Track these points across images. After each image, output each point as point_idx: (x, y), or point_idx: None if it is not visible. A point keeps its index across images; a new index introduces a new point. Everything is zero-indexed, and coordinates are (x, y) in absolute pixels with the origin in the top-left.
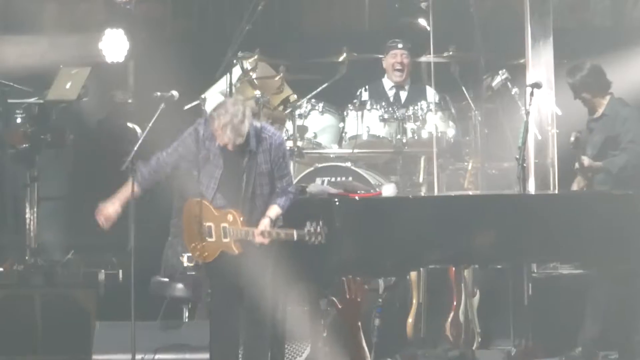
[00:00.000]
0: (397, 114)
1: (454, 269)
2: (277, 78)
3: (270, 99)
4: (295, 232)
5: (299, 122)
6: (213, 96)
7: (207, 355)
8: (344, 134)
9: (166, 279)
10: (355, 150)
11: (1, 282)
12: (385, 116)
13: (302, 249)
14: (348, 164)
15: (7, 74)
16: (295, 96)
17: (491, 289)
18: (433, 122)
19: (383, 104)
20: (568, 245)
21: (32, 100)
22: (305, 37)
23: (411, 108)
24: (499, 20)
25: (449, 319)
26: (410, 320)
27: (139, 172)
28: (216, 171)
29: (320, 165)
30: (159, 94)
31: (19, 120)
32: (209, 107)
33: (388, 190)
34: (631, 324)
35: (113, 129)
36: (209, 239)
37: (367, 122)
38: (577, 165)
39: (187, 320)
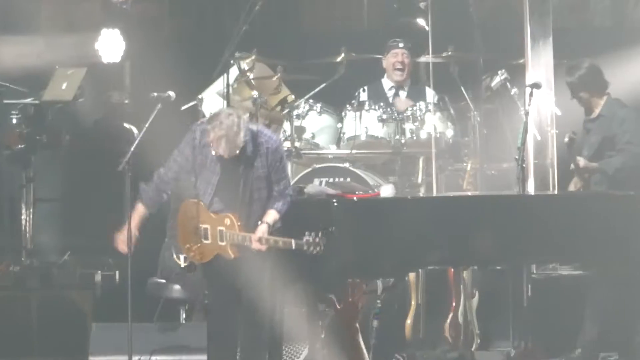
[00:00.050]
0: (396, 114)
1: (452, 270)
2: (274, 78)
3: (268, 100)
4: (293, 242)
5: (296, 122)
6: (210, 97)
7: (204, 357)
8: (342, 135)
9: (163, 280)
10: (354, 151)
11: None
12: (384, 116)
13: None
14: (346, 165)
15: (3, 74)
16: (293, 96)
17: (490, 290)
18: (432, 123)
19: (382, 104)
20: (568, 246)
21: (27, 100)
22: (303, 37)
23: (410, 108)
24: (498, 20)
25: (448, 321)
26: (408, 321)
27: (144, 194)
28: (213, 177)
29: (318, 166)
30: (155, 94)
31: (14, 121)
32: (206, 108)
33: (386, 191)
34: (631, 325)
35: (109, 130)
36: (205, 241)
37: (365, 123)
38: (572, 166)
39: (184, 321)
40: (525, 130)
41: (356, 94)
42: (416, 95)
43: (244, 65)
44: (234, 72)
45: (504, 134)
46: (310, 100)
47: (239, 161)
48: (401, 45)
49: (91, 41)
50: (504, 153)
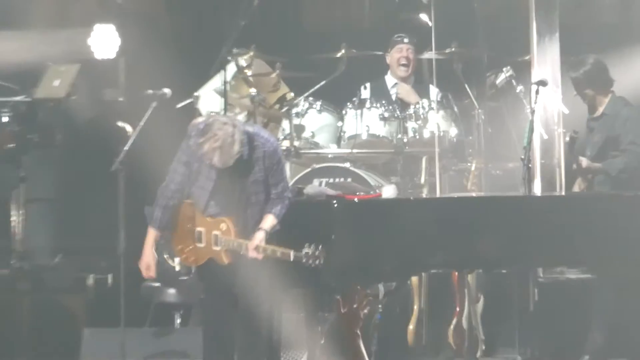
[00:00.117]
0: (398, 112)
1: (456, 273)
2: (273, 75)
3: (266, 97)
4: (292, 253)
5: (295, 121)
6: (207, 94)
7: None
8: (342, 134)
9: (157, 284)
10: (354, 150)
11: None
12: (386, 115)
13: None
14: (347, 165)
15: None
16: (292, 94)
17: (496, 294)
18: (435, 121)
19: (383, 102)
20: (575, 248)
21: (19, 98)
22: (302, 33)
23: (412, 106)
24: (503, 16)
25: (452, 326)
26: (411, 327)
27: (153, 219)
28: (208, 183)
29: (317, 165)
30: (150, 92)
31: (5, 119)
32: (202, 106)
33: (388, 191)
34: None
35: (103, 129)
36: (199, 244)
37: (366, 121)
38: (574, 166)
39: (179, 326)
40: (531, 129)
41: (358, 91)
42: (420, 93)
43: (242, 61)
44: (231, 68)
45: (509, 133)
46: (310, 98)
47: (235, 166)
48: (406, 40)
49: (85, 37)
50: (510, 152)
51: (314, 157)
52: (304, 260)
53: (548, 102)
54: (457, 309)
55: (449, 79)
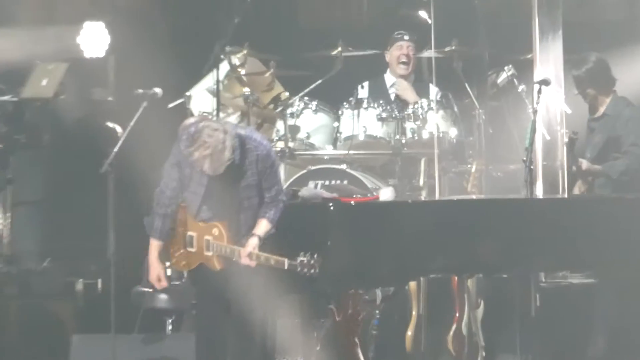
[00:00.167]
0: (396, 112)
1: (456, 278)
2: (267, 74)
3: (260, 97)
4: (286, 262)
5: (290, 121)
6: (199, 94)
7: None
8: (338, 134)
9: (148, 289)
10: (351, 152)
11: None
12: (383, 115)
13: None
14: (343, 166)
15: None
16: (287, 94)
17: (496, 299)
18: (434, 122)
19: (381, 102)
20: (578, 252)
21: (5, 98)
22: (297, 31)
23: (411, 106)
24: (505, 13)
25: (451, 332)
26: (409, 333)
27: (154, 230)
28: (199, 188)
29: (313, 167)
30: (141, 91)
31: None
32: (194, 106)
33: (386, 194)
34: None
35: (92, 129)
36: (190, 249)
37: (363, 122)
38: (574, 168)
39: (170, 332)
40: (534, 130)
41: (354, 91)
42: (420, 92)
43: (235, 60)
44: (224, 67)
45: (511, 134)
46: (305, 98)
47: (227, 170)
48: (406, 37)
49: (73, 34)
50: (511, 154)
51: (310, 158)
52: (298, 269)
53: (550, 101)
54: (457, 315)
55: (448, 78)
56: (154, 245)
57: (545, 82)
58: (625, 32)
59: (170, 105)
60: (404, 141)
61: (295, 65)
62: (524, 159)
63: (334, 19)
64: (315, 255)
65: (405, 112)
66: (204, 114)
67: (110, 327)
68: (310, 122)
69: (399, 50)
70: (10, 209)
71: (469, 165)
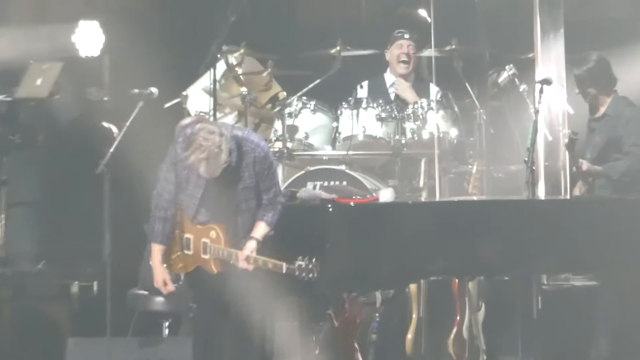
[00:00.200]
0: (396, 112)
1: (457, 280)
2: (265, 74)
3: (258, 97)
4: (284, 266)
5: (288, 121)
6: (195, 94)
7: None
8: (337, 135)
9: (145, 292)
10: (350, 152)
11: None
12: (383, 115)
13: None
14: (342, 167)
15: None
16: (285, 93)
17: (497, 302)
18: (434, 122)
19: (380, 102)
20: (581, 254)
21: None
22: (295, 29)
23: (411, 106)
24: (506, 11)
25: (452, 335)
26: (409, 336)
27: (155, 234)
28: (197, 191)
29: (311, 168)
30: (136, 91)
31: None
32: (191, 106)
33: (385, 195)
34: None
35: (87, 129)
36: (186, 252)
37: (362, 122)
38: (574, 169)
39: (167, 336)
40: (535, 130)
41: (353, 90)
42: (420, 92)
43: (232, 59)
44: (221, 67)
45: (512, 134)
46: (304, 98)
47: (224, 172)
48: (407, 36)
49: (68, 33)
50: (512, 154)
51: (308, 159)
52: (296, 273)
53: (552, 101)
54: (458, 318)
55: (449, 77)
56: (157, 250)
57: (546, 82)
58: (628, 31)
59: (167, 105)
60: (403, 141)
61: (293, 65)
62: (526, 159)
63: (333, 17)
64: (314, 259)
65: (405, 112)
66: (201, 114)
67: (106, 330)
68: (309, 122)
69: (399, 49)
70: (5, 210)
71: (470, 166)
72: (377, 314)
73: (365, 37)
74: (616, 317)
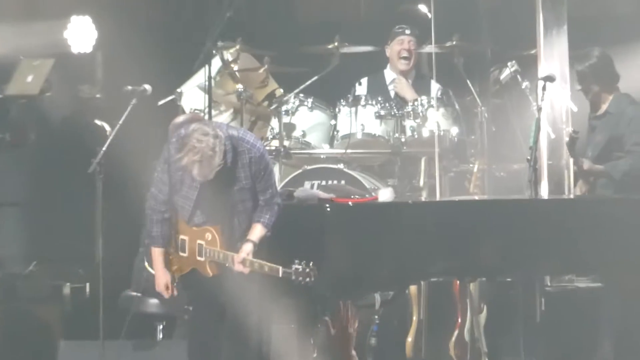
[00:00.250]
0: (395, 110)
1: (458, 282)
2: (261, 70)
3: (254, 94)
4: (280, 270)
5: (285, 119)
6: (190, 91)
7: None
8: (335, 133)
9: (138, 294)
10: (349, 151)
11: None
12: (382, 113)
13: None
14: (340, 166)
15: None
16: (282, 90)
17: (500, 304)
18: (435, 120)
19: (380, 99)
20: (585, 255)
21: None
22: (293, 25)
23: (410, 104)
24: (508, 7)
25: (453, 338)
26: (409, 339)
27: (154, 238)
28: (191, 192)
29: (309, 167)
30: (130, 88)
31: None
32: (185, 103)
33: (385, 195)
34: None
35: (79, 127)
36: (182, 254)
37: (361, 120)
38: (575, 168)
39: (161, 339)
40: (538, 128)
41: (352, 87)
42: (421, 88)
43: (228, 55)
44: (216, 63)
45: (514, 132)
46: (301, 95)
47: (220, 173)
48: (408, 32)
49: (60, 29)
50: (514, 153)
51: (306, 158)
52: (293, 277)
53: (555, 99)
54: (459, 320)
55: (449, 74)
56: (158, 253)
57: (549, 79)
58: (632, 27)
59: (161, 102)
60: (403, 140)
61: (290, 61)
62: (528, 158)
63: (331, 12)
64: (311, 264)
65: (405, 110)
66: (196, 111)
67: (99, 333)
68: (306, 120)
69: (400, 44)
70: None
71: (471, 165)
72: (376, 317)
73: (364, 33)
74: (620, 319)
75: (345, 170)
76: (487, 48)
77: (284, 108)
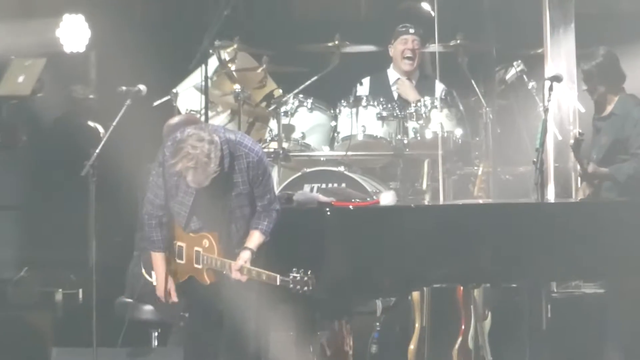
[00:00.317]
0: (397, 111)
1: (462, 288)
2: (259, 70)
3: (252, 94)
4: (278, 278)
5: (284, 120)
6: (186, 91)
7: None
8: (336, 134)
9: (132, 300)
10: (349, 153)
11: None
12: (384, 114)
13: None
14: (341, 169)
15: None
16: (281, 91)
17: (504, 311)
18: (438, 121)
19: (381, 99)
20: (592, 260)
21: None
22: (292, 23)
23: (413, 105)
24: (514, 5)
25: (457, 345)
26: (412, 346)
27: (153, 243)
28: (188, 198)
29: (309, 169)
30: (124, 88)
31: None
32: (181, 104)
33: (387, 198)
34: None
35: (72, 129)
36: (179, 261)
37: (362, 121)
38: (579, 170)
39: (156, 346)
40: (545, 129)
41: (353, 88)
42: (425, 89)
43: (225, 55)
44: (213, 63)
45: (520, 134)
46: (300, 95)
47: (217, 178)
48: (412, 31)
49: (52, 28)
50: (520, 155)
51: (305, 160)
52: (291, 286)
53: (563, 99)
54: (462, 327)
55: (453, 74)
56: (159, 257)
57: (556, 79)
58: (637, 25)
59: (156, 103)
60: (405, 141)
61: (289, 61)
62: (534, 160)
63: (331, 11)
64: (309, 272)
65: (407, 111)
66: (192, 112)
67: (92, 340)
68: (306, 121)
69: (404, 44)
70: None
71: (476, 168)
72: (377, 324)
73: (364, 32)
74: (628, 326)
75: (346, 173)
76: (492, 47)
77: (282, 109)
